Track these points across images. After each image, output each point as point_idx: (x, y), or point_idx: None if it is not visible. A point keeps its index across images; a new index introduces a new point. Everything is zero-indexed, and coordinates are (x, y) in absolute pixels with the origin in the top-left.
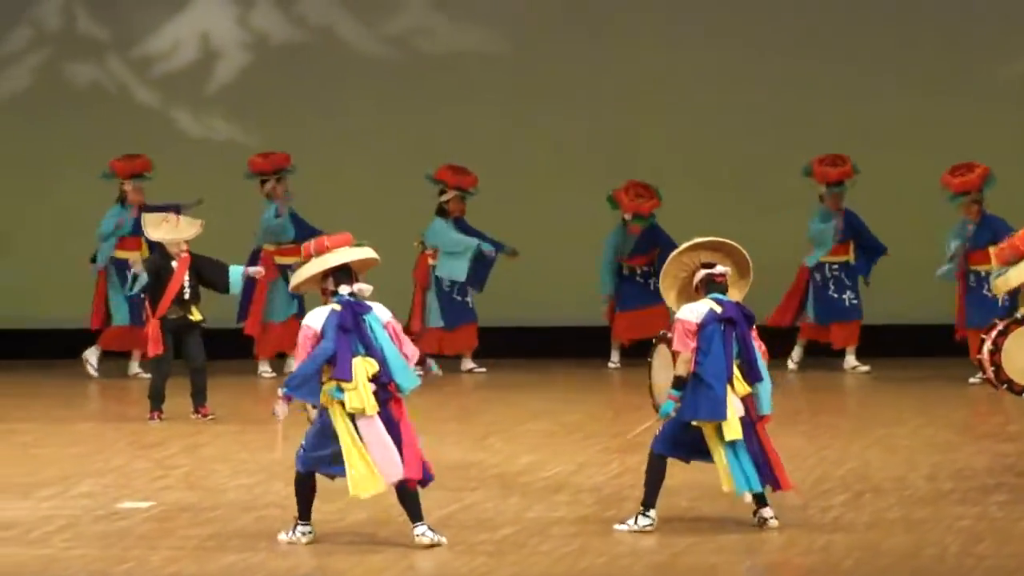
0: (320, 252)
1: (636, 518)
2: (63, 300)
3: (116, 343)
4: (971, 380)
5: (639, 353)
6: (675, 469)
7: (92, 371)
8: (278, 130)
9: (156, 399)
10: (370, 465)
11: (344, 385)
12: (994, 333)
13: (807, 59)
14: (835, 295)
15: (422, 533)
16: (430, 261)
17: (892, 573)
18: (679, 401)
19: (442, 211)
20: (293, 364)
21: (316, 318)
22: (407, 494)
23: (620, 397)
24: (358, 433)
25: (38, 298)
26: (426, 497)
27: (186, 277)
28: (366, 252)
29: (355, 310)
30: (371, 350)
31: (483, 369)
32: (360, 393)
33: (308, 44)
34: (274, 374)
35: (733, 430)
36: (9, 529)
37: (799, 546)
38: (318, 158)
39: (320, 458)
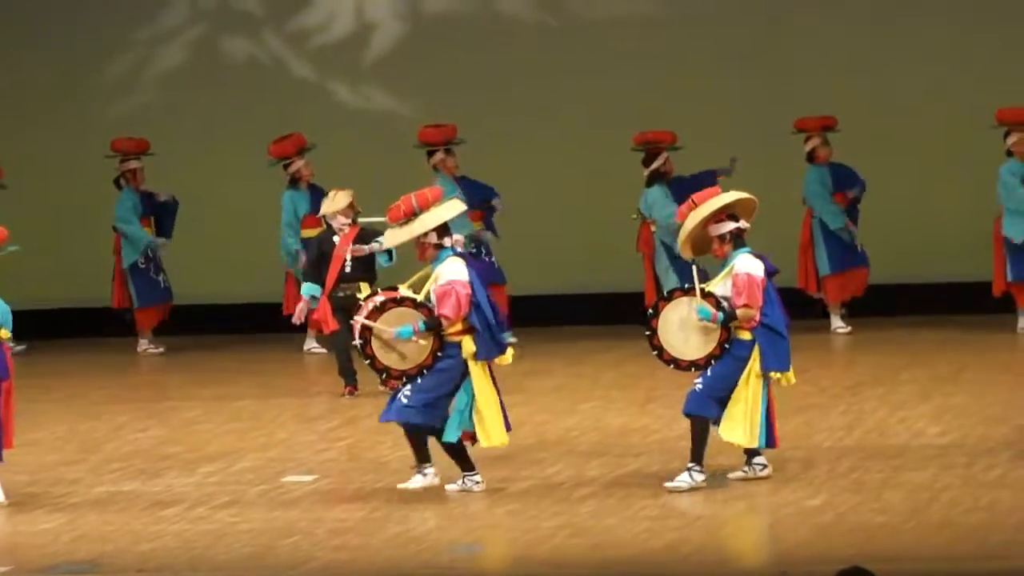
0: (425, 207)
1: (691, 474)
2: (232, 276)
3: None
4: None
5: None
6: (821, 434)
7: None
8: (436, 100)
9: (346, 374)
10: (499, 415)
11: None
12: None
13: None
14: None
15: (478, 481)
16: (652, 228)
17: None
18: (715, 323)
19: (658, 175)
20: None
21: (462, 273)
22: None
23: None
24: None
25: (210, 273)
26: (590, 465)
27: (348, 251)
28: (464, 206)
29: (475, 265)
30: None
31: None
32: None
33: (463, 12)
34: None
35: (791, 376)
36: (175, 505)
37: (964, 505)
38: (476, 127)
39: (429, 407)
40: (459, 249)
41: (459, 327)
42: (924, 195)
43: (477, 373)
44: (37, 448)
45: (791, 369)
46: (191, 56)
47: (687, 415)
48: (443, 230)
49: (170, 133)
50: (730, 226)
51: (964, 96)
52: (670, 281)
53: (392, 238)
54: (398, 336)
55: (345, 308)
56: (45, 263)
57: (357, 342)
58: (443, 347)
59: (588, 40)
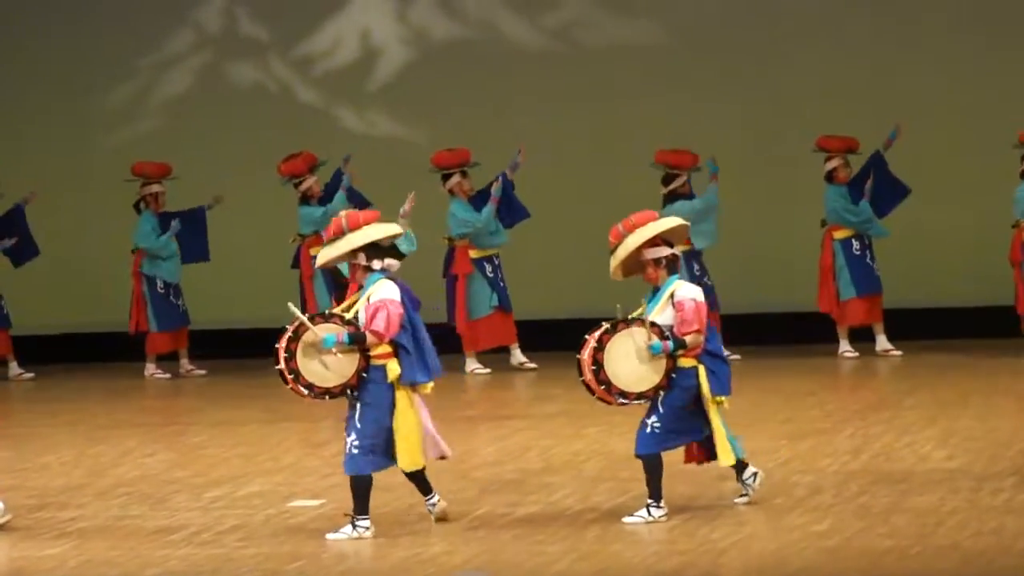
0: (355, 227)
1: (649, 510)
2: (237, 301)
3: None
4: None
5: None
6: (827, 459)
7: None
8: (441, 126)
9: None
10: (420, 440)
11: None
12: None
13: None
14: None
15: (436, 501)
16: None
17: None
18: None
19: (676, 196)
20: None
21: (393, 293)
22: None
23: (788, 384)
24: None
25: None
26: (597, 490)
27: None
28: (397, 227)
29: (407, 289)
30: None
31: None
32: None
33: (469, 39)
34: (488, 370)
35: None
36: (181, 530)
37: (970, 528)
38: (482, 153)
39: (380, 448)
40: (390, 272)
41: (385, 349)
42: (927, 218)
43: (400, 398)
44: (44, 473)
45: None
46: (196, 82)
47: (638, 456)
48: (373, 252)
49: (175, 159)
50: (666, 251)
51: (969, 116)
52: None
53: (322, 256)
54: (323, 343)
55: None
56: (50, 290)
57: (281, 359)
58: (368, 369)
59: (593, 67)
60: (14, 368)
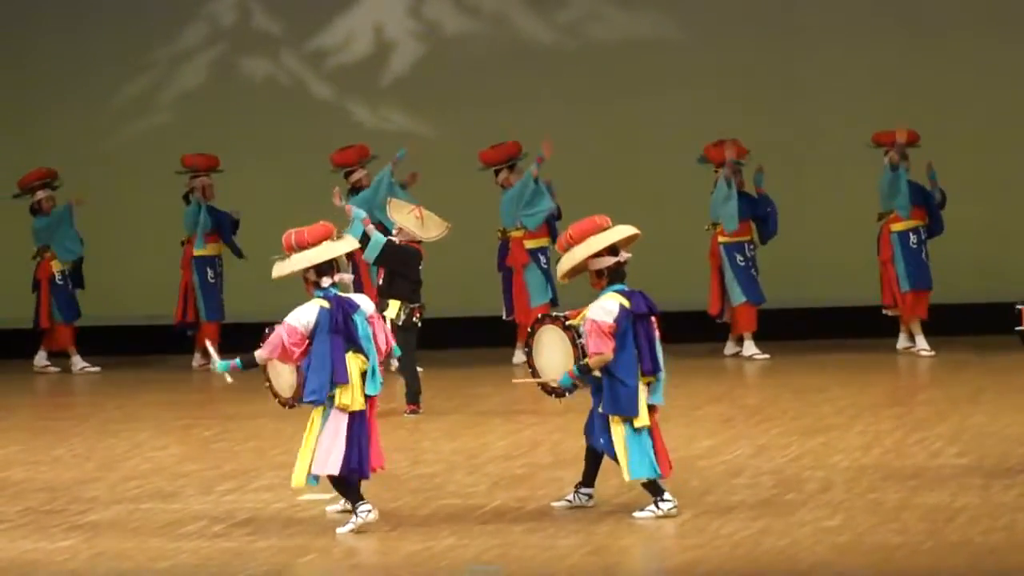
0: (302, 246)
1: (657, 504)
2: (254, 295)
3: None
4: None
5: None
6: (839, 454)
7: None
8: (453, 121)
9: (408, 392)
10: (310, 459)
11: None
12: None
13: None
14: None
15: (368, 509)
16: (720, 239)
17: None
18: (581, 385)
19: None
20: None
21: (305, 316)
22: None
23: (798, 379)
24: (322, 427)
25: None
26: (606, 484)
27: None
28: (350, 244)
29: (344, 309)
30: (359, 347)
31: (766, 356)
32: (352, 391)
33: (481, 33)
34: None
35: (643, 419)
36: (192, 523)
37: (981, 525)
38: None
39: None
40: (334, 288)
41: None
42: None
43: (313, 415)
44: (56, 465)
45: (639, 413)
46: (210, 75)
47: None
48: (323, 269)
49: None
50: (608, 261)
51: (986, 113)
52: (735, 292)
53: (275, 271)
54: (217, 368)
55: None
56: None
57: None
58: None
59: (605, 61)
60: (78, 361)
